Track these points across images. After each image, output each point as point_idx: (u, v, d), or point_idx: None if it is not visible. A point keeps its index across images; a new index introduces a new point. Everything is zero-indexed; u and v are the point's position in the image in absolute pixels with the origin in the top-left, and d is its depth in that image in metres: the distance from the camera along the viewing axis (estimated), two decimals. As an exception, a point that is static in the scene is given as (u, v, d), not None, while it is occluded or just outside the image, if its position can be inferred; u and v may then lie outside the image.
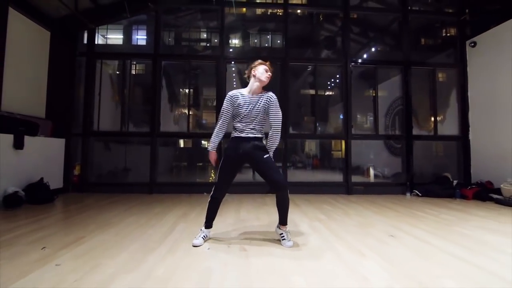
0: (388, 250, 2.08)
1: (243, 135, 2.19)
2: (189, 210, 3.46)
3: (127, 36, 6.64)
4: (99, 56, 4.89)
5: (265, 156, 2.17)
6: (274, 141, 2.24)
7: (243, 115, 2.19)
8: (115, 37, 7.28)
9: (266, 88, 2.32)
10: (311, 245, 2.18)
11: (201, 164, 6.18)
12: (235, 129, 2.25)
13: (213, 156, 2.31)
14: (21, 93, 4.08)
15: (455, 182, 4.77)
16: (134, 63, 5.87)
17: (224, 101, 2.27)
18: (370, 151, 6.44)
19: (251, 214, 3.31)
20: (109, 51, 5.40)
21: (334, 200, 4.28)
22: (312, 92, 5.70)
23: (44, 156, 4.13)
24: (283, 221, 2.26)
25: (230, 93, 2.27)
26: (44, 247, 2.03)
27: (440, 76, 5.48)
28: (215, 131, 2.28)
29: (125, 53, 5.42)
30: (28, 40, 4.22)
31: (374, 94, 5.34)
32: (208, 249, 2.07)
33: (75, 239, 2.24)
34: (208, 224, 2.28)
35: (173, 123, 5.17)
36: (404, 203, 4.12)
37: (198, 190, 4.73)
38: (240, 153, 2.17)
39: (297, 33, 6.35)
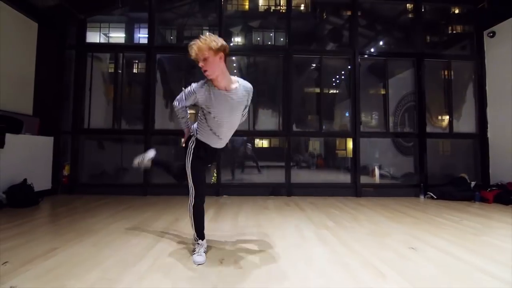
0: (410, 267, 1.74)
1: (213, 145, 1.93)
2: (182, 214, 3.15)
3: (129, 35, 6.41)
4: (89, 49, 4.60)
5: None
6: None
7: (219, 114, 1.82)
8: (117, 36, 7.08)
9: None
10: (319, 261, 1.85)
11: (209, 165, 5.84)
12: (206, 136, 1.88)
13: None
14: (5, 88, 3.80)
15: (473, 183, 4.39)
16: (136, 61, 5.58)
17: None
18: (377, 150, 6.08)
19: (250, 220, 2.98)
20: (100, 43, 5.08)
21: (342, 204, 3.93)
22: (317, 88, 5.36)
23: (30, 155, 3.85)
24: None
25: (196, 84, 1.88)
26: (6, 262, 1.73)
27: (456, 70, 5.08)
28: (178, 112, 1.94)
29: (117, 45, 5.12)
30: (14, 32, 3.94)
31: (384, 90, 4.97)
32: (197, 265, 1.75)
33: (45, 251, 1.93)
34: (202, 236, 1.94)
35: (169, 120, 4.85)
36: (419, 207, 3.77)
37: (195, 192, 4.41)
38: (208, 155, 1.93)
39: (302, 26, 6.00)
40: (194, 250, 1.88)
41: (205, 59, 1.63)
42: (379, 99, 5.26)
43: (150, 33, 4.62)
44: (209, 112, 1.79)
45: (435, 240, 2.31)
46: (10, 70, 3.89)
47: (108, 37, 7.27)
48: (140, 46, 4.92)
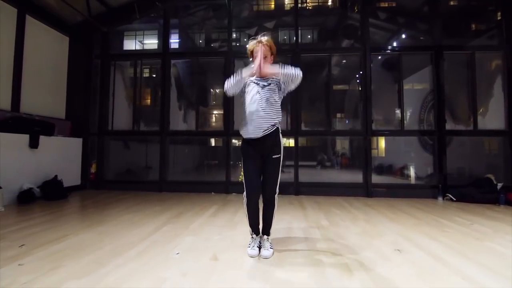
0: (384, 267, 1.73)
1: (254, 135, 1.84)
2: (187, 209, 3.36)
3: (162, 41, 6.88)
4: (112, 58, 5.05)
5: (274, 156, 1.89)
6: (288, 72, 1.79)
7: (252, 97, 1.85)
8: (151, 42, 7.62)
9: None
10: (293, 257, 1.90)
11: (232, 162, 6.07)
12: (245, 124, 1.87)
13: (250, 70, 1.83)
14: (42, 95, 4.36)
15: (499, 185, 4.02)
16: (153, 66, 5.95)
17: None
18: (403, 149, 5.81)
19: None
20: (122, 52, 5.54)
21: (347, 203, 3.87)
22: (337, 86, 5.27)
23: (62, 154, 4.36)
24: (264, 230, 2.02)
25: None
26: (22, 245, 2.05)
27: (481, 61, 4.67)
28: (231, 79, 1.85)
29: (136, 53, 5.55)
30: (49, 46, 4.49)
31: (398, 86, 4.75)
32: (177, 253, 1.92)
33: (58, 237, 2.24)
34: (256, 232, 2.02)
35: (183, 121, 5.15)
36: (431, 209, 3.56)
37: (207, 189, 4.65)
38: (256, 149, 1.90)
39: (319, 25, 5.95)
40: (249, 244, 1.98)
41: (265, 57, 1.88)
42: (396, 95, 5.03)
43: (164, 40, 4.93)
44: (244, 92, 1.91)
45: (428, 242, 2.22)
46: (46, 79, 4.44)
47: (143, 44, 7.88)
48: (156, 53, 5.26)
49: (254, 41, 1.93)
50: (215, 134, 5.37)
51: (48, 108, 4.46)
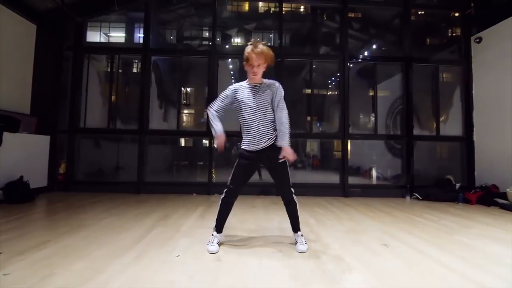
0: (378, 261, 1.87)
1: (255, 147, 2.01)
2: (172, 211, 3.28)
3: (129, 35, 6.45)
4: (87, 50, 4.72)
5: (279, 161, 1.99)
6: (284, 134, 1.98)
7: (247, 108, 1.99)
8: (117, 35, 7.11)
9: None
10: (292, 254, 1.97)
11: (201, 163, 5.98)
12: (245, 138, 2.04)
13: (221, 139, 1.96)
14: (3, 87, 3.93)
15: (457, 185, 4.52)
16: (135, 61, 5.66)
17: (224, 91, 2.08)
18: (370, 151, 6.22)
19: (236, 217, 3.09)
20: (98, 45, 5.20)
21: (328, 203, 4.07)
22: (309, 90, 5.49)
23: (27, 153, 3.98)
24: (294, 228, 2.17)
25: (231, 86, 2.09)
26: (0, 253, 1.86)
27: (444, 74, 5.23)
28: (210, 119, 2.04)
29: (114, 47, 5.25)
30: (12, 33, 4.06)
31: (372, 93, 5.10)
32: (178, 256, 1.88)
33: (37, 243, 2.06)
34: (219, 230, 2.15)
35: (163, 120, 4.98)
36: (403, 207, 3.89)
37: (188, 190, 4.55)
38: (255, 158, 2.05)
39: (296, 30, 6.12)
40: (208, 241, 2.05)
41: (259, 65, 1.93)
42: (370, 101, 5.40)
43: (145, 36, 4.74)
44: (240, 109, 2.01)
45: (408, 237, 2.44)
46: (9, 70, 4.01)
47: (108, 36, 7.35)
48: (136, 48, 5.04)
49: (250, 47, 1.93)
50: (198, 134, 5.28)
51: (11, 102, 4.03)
